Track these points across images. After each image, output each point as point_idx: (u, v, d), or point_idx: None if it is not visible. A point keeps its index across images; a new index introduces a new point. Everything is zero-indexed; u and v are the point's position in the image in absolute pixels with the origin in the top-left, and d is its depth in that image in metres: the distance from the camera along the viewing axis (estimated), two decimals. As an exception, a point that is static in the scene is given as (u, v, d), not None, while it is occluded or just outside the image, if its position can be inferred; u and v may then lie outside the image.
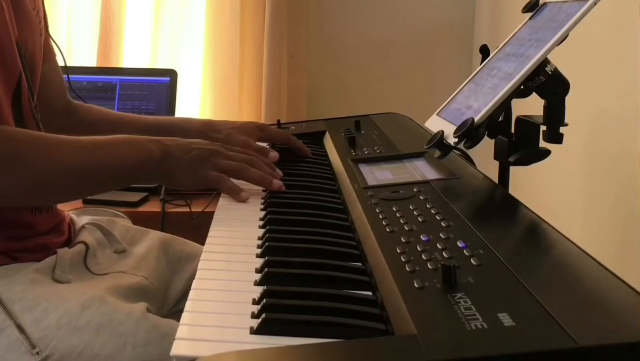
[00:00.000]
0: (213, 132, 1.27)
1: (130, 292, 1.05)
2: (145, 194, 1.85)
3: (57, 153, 0.98)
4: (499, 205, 0.97)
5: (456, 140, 0.98)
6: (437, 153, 1.03)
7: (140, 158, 1.03)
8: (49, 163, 0.96)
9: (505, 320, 0.57)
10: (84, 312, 0.92)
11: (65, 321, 0.91)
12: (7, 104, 0.99)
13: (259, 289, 0.73)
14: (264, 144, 1.28)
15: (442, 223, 0.82)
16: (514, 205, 0.91)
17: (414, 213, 0.86)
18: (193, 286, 0.76)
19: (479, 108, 1.00)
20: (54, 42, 1.26)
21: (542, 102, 1.00)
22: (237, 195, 1.07)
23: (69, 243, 1.12)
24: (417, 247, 0.75)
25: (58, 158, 0.97)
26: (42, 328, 0.90)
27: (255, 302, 0.71)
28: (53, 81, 1.24)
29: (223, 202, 1.09)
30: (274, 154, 1.17)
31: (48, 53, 1.22)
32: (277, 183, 1.08)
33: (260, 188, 1.12)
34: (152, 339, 0.93)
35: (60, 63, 1.34)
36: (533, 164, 1.05)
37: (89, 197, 1.63)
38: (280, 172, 1.12)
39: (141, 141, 1.04)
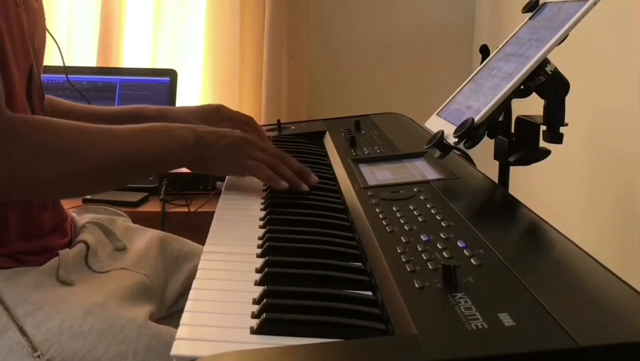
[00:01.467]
0: (170, 120, 1.25)
1: (132, 293, 1.05)
2: (145, 194, 1.85)
3: (92, 142, 0.98)
4: (499, 205, 0.97)
5: (456, 140, 0.98)
6: (437, 153, 1.03)
7: (173, 145, 1.03)
8: (84, 152, 0.97)
9: (506, 319, 0.57)
10: (86, 317, 0.92)
11: (67, 325, 0.91)
12: (23, 98, 0.99)
13: (259, 289, 0.73)
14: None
15: (442, 223, 0.82)
16: (514, 205, 0.91)
17: (414, 213, 0.86)
18: (193, 286, 0.76)
19: (479, 108, 1.00)
20: (54, 39, 1.26)
21: (542, 102, 1.00)
22: (277, 184, 1.08)
23: (70, 243, 1.12)
24: (417, 247, 0.75)
25: (93, 147, 0.98)
26: (44, 331, 0.90)
27: (255, 302, 0.71)
28: None
29: (223, 202, 1.09)
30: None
31: None
32: (305, 187, 1.09)
33: (260, 188, 1.13)
34: (154, 347, 0.92)
35: (59, 62, 1.33)
36: (533, 164, 1.05)
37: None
38: (315, 178, 1.11)
39: (173, 128, 1.05)
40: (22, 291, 0.94)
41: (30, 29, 1.03)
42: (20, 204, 1.00)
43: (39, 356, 0.89)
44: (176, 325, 0.68)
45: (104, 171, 0.99)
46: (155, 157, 1.03)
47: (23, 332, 0.90)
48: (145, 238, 1.23)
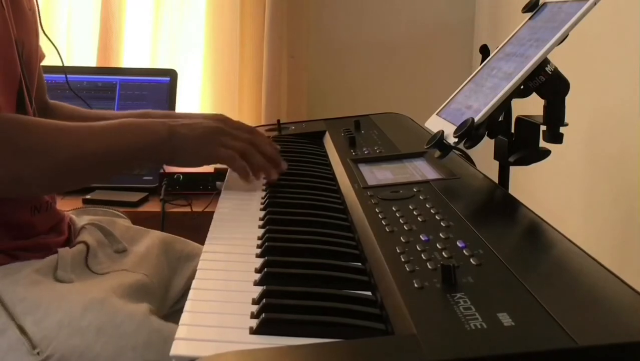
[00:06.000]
0: None
1: (132, 291, 1.05)
2: (145, 194, 1.85)
3: (66, 139, 0.98)
4: (499, 205, 0.97)
5: (456, 140, 0.98)
6: (437, 153, 1.03)
7: (147, 139, 1.04)
8: (59, 150, 0.97)
9: (505, 320, 0.57)
10: (85, 314, 0.93)
11: (66, 322, 0.91)
12: (12, 108, 0.99)
13: (259, 289, 0.73)
14: None
15: (442, 223, 0.81)
16: (514, 205, 0.91)
17: (414, 212, 0.86)
18: (193, 286, 0.76)
19: (479, 108, 1.00)
20: (51, 41, 1.26)
21: (542, 102, 1.00)
22: (245, 176, 1.08)
23: (69, 243, 1.12)
24: (417, 247, 0.75)
25: (67, 144, 0.98)
26: (43, 329, 0.90)
27: (254, 302, 0.71)
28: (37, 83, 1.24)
29: (223, 202, 1.09)
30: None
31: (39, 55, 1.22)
32: (275, 175, 1.09)
33: (260, 188, 1.13)
34: (153, 342, 0.92)
35: (58, 63, 1.34)
36: (533, 164, 1.05)
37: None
38: (285, 164, 1.13)
39: (147, 124, 1.06)
40: (20, 288, 0.94)
41: (20, 37, 1.03)
42: (11, 208, 1.00)
43: (38, 353, 0.89)
44: (177, 323, 0.68)
45: (80, 168, 0.99)
46: (130, 153, 1.04)
47: (22, 330, 0.90)
48: (146, 239, 1.23)
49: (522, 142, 1.05)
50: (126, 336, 0.92)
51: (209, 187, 1.86)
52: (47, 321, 0.91)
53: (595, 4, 0.93)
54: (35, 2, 1.15)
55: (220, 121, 1.12)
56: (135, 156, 1.05)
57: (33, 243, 1.03)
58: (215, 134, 1.07)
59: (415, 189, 0.96)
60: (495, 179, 1.09)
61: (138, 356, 0.91)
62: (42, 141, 0.96)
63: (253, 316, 0.67)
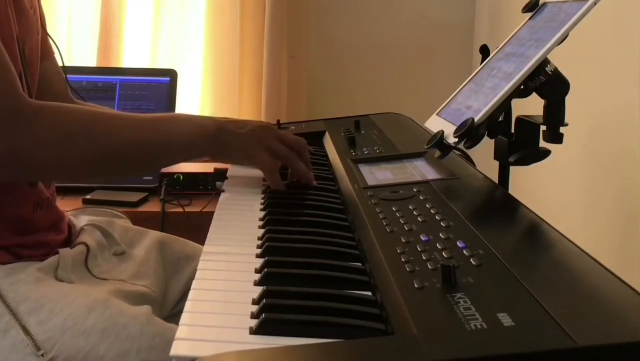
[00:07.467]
0: None
1: (132, 297, 1.05)
2: (145, 194, 1.85)
3: (120, 127, 1.00)
4: (499, 205, 0.97)
5: (456, 140, 0.98)
6: (437, 153, 1.03)
7: (196, 133, 1.05)
8: (113, 136, 0.98)
9: (505, 320, 0.57)
10: (89, 315, 0.92)
11: (70, 323, 0.91)
12: None
13: (259, 289, 0.73)
14: None
15: (442, 223, 0.81)
16: (514, 205, 0.91)
17: (414, 213, 0.86)
18: (193, 286, 0.76)
19: (479, 108, 1.00)
20: (53, 41, 1.27)
21: (542, 102, 1.00)
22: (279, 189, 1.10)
23: (69, 242, 1.12)
24: (417, 247, 0.75)
25: (122, 131, 1.00)
26: (47, 330, 0.90)
27: (254, 302, 0.71)
28: (54, 80, 1.24)
29: (223, 202, 1.09)
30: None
31: (46, 52, 1.22)
32: (314, 183, 1.11)
33: (260, 188, 1.13)
34: (157, 344, 0.92)
35: (59, 63, 1.34)
36: (533, 164, 1.05)
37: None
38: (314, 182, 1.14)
39: (196, 118, 1.08)
40: (23, 288, 0.94)
41: (21, 34, 1.03)
42: (14, 202, 1.00)
43: (42, 354, 0.89)
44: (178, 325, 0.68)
45: (127, 155, 1.00)
46: (178, 144, 1.05)
47: (26, 331, 0.90)
48: (145, 241, 1.22)
49: (522, 142, 1.05)
50: (130, 338, 0.92)
51: (208, 187, 1.86)
52: (51, 322, 0.91)
53: (595, 4, 0.93)
54: (37, 1, 1.15)
55: (269, 126, 1.14)
56: (182, 148, 1.06)
57: (34, 240, 1.03)
58: (262, 134, 1.09)
59: (415, 189, 0.96)
60: (495, 179, 1.09)
61: (141, 358, 0.91)
62: (89, 128, 0.97)
63: (253, 316, 0.67)
